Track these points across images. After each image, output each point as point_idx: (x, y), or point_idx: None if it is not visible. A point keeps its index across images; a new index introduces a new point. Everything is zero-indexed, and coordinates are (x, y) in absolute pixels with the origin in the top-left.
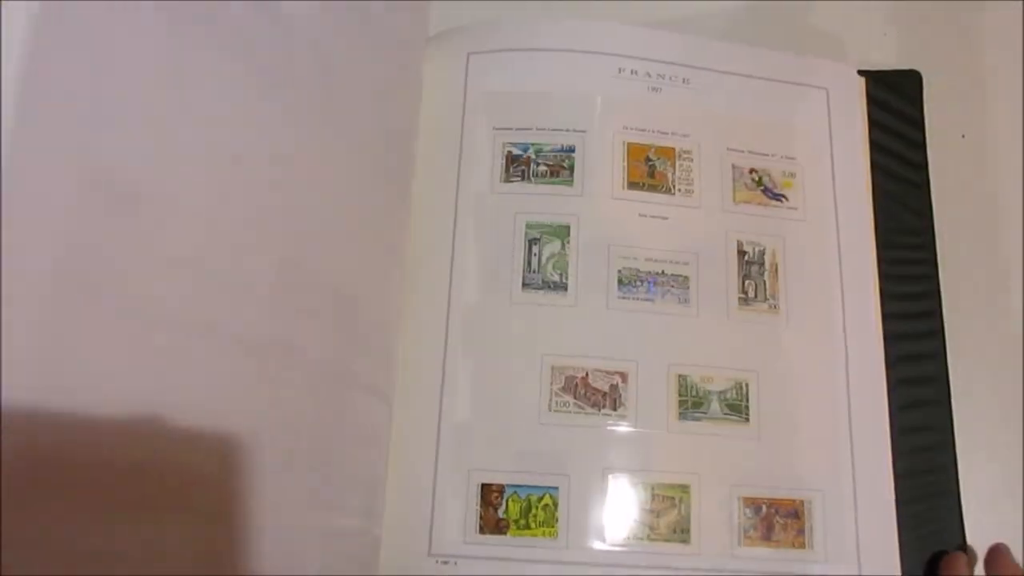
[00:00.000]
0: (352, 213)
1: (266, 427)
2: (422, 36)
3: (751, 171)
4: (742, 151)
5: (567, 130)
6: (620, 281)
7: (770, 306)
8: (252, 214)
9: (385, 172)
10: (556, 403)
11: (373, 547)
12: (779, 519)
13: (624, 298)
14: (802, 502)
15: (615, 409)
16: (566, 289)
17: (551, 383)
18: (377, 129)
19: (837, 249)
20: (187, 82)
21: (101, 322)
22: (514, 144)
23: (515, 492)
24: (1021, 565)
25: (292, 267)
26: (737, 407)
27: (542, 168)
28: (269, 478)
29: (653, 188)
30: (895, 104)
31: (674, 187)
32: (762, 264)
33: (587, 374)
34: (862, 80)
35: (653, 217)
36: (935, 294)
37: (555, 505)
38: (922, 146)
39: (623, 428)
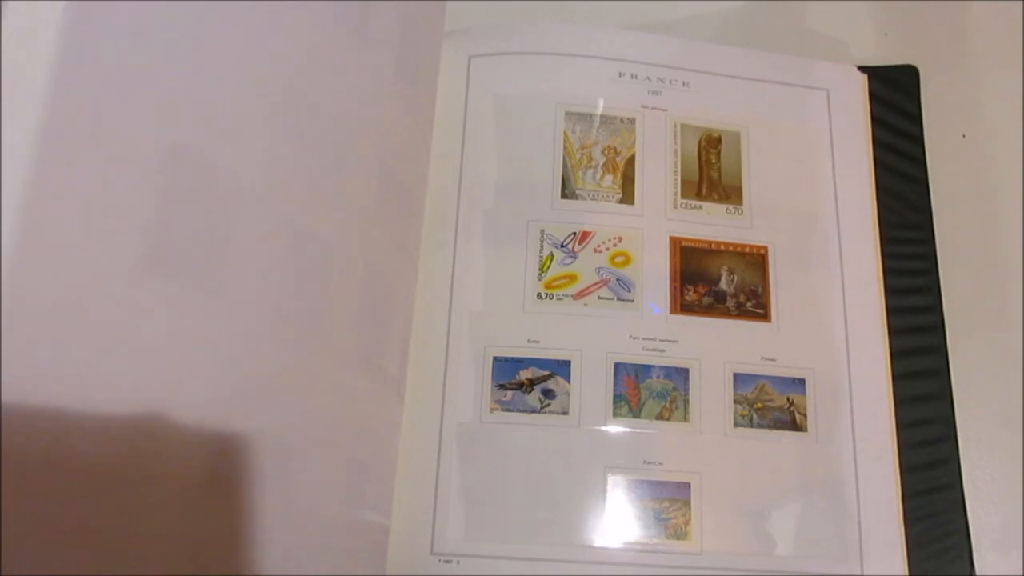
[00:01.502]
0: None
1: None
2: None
3: None
4: None
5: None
6: None
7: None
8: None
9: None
10: None
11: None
12: None
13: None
14: None
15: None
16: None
17: None
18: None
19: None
20: None
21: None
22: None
23: None
24: (1022, 565)
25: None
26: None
27: None
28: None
29: None
30: (895, 100)
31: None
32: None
33: None
34: (864, 77)
35: None
36: (936, 289)
37: None
38: (921, 141)
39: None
